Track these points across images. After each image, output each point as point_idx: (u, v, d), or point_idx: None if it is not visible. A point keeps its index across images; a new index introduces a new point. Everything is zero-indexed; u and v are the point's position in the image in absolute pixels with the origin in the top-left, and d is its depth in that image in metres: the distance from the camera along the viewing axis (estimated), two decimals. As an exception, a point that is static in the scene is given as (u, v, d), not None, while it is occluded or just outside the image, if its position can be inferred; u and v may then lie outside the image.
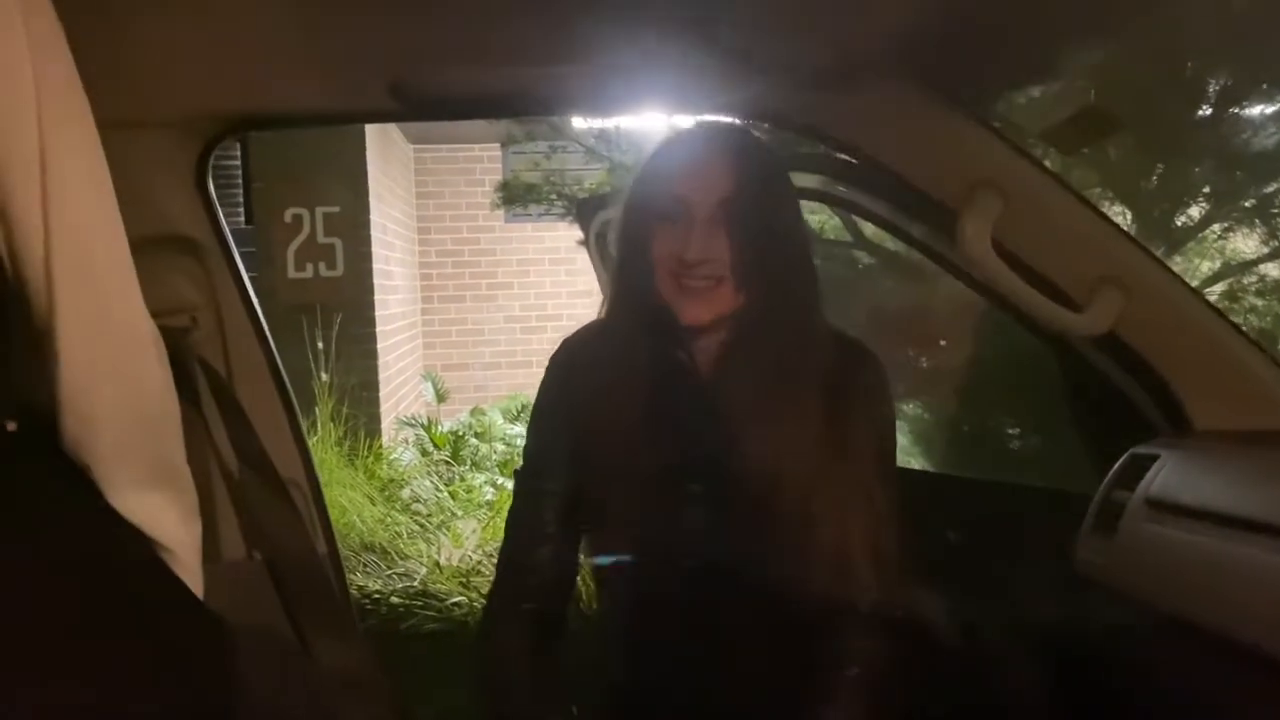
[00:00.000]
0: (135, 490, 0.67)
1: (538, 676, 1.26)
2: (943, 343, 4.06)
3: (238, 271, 1.47)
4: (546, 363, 1.36)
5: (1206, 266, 3.97)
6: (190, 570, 0.72)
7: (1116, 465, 1.46)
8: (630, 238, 1.26)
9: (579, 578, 1.37)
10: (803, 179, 1.87)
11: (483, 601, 3.75)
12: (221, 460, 1.27)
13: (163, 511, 0.70)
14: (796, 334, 1.22)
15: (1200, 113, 3.48)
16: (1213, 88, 3.42)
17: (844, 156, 1.59)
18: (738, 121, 1.30)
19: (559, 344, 1.37)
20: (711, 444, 1.23)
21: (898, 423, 4.18)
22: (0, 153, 0.57)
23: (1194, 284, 3.58)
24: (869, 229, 3.98)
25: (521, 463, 1.36)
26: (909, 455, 4.34)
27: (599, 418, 1.25)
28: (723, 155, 1.21)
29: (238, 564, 1.37)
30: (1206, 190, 3.59)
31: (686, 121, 1.35)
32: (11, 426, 0.63)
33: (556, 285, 7.72)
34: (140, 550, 0.69)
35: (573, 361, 1.34)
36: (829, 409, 1.22)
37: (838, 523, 1.22)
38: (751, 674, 1.27)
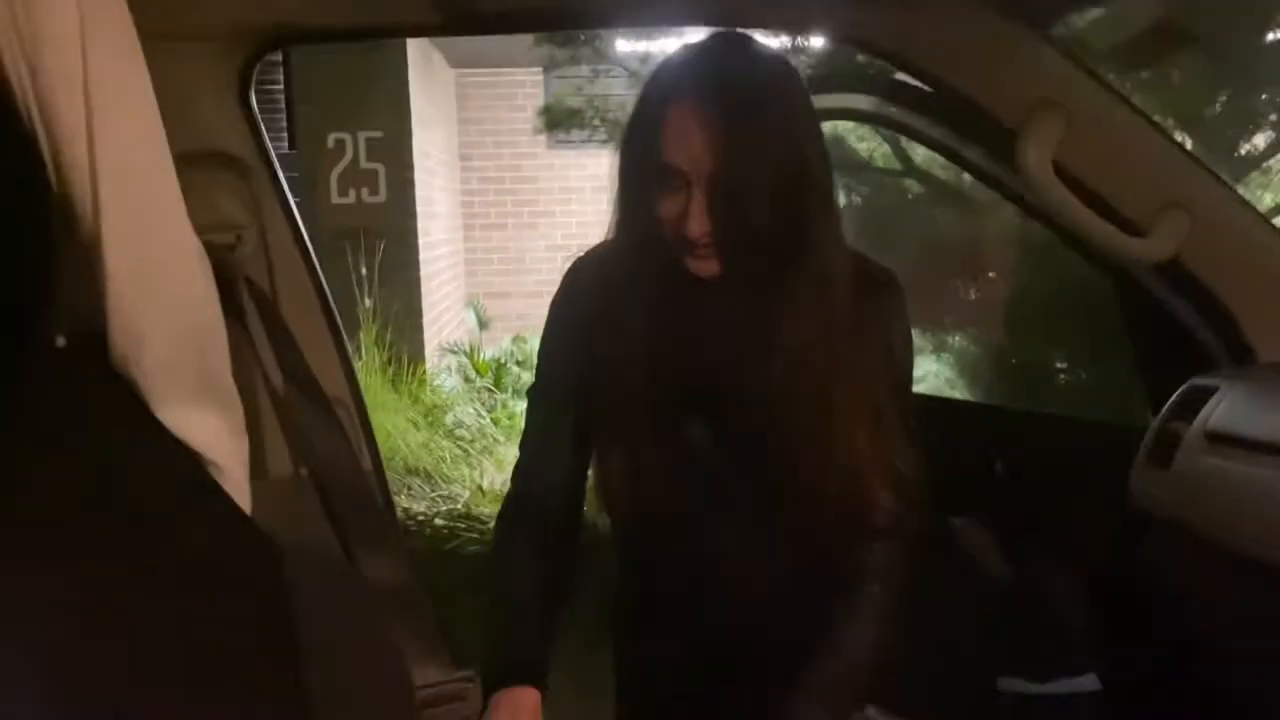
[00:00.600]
0: (182, 405, 0.68)
1: (546, 595, 1.27)
2: (991, 274, 4.00)
3: (282, 190, 1.46)
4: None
5: (1270, 198, 3.86)
6: (238, 485, 0.73)
7: (1175, 396, 1.43)
8: (628, 200, 1.19)
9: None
10: (853, 99, 1.83)
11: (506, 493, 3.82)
12: (267, 378, 1.28)
13: (210, 426, 0.71)
14: (806, 264, 1.16)
15: (1270, 36, 3.35)
16: (1281, 12, 3.29)
17: (900, 75, 1.54)
18: (743, 40, 1.18)
19: (569, 264, 1.33)
20: (721, 364, 1.21)
21: (943, 354, 4.13)
22: (44, 67, 0.57)
23: (1257, 215, 3.50)
24: (919, 157, 3.89)
25: (534, 381, 1.35)
26: (953, 387, 4.31)
27: (608, 337, 1.22)
28: (718, 113, 1.08)
29: (285, 480, 1.38)
30: (1273, 118, 3.47)
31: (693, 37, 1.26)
32: (61, 342, 0.63)
33: (600, 213, 7.58)
34: (188, 465, 0.69)
35: (582, 281, 1.30)
36: (843, 330, 1.19)
37: (850, 442, 1.19)
38: (765, 592, 1.27)
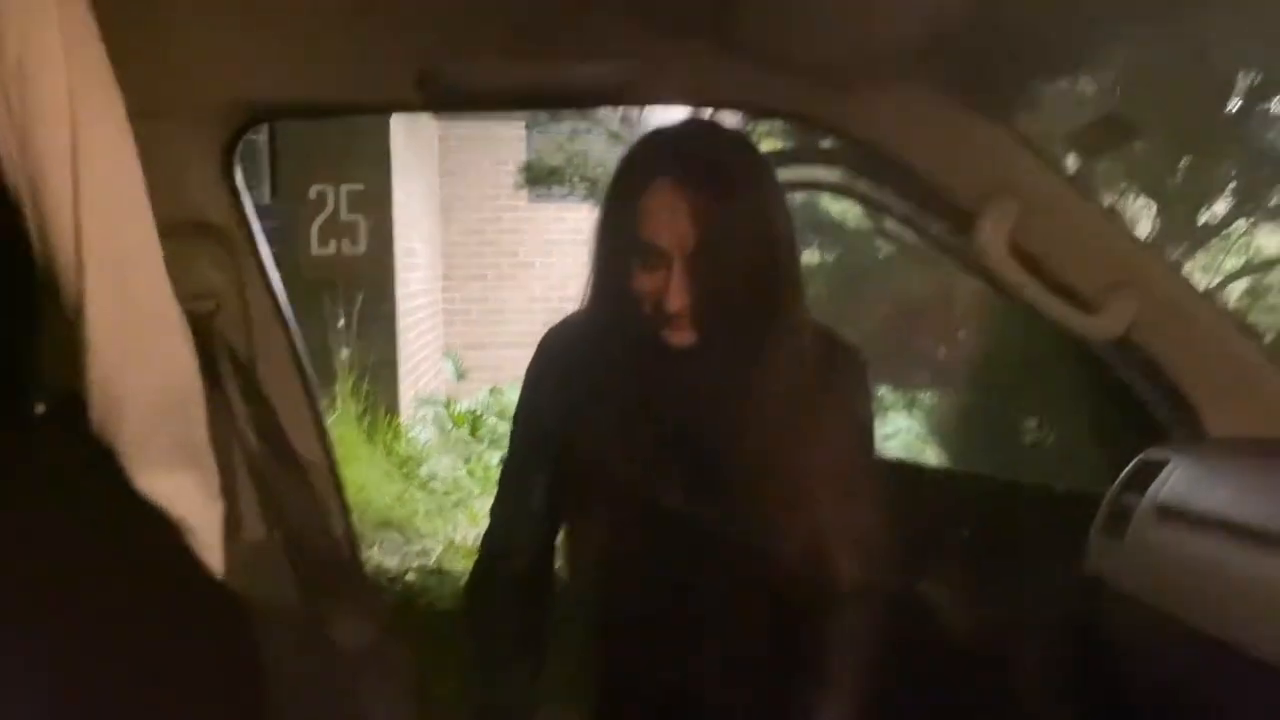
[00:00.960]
0: (160, 471, 0.69)
1: (519, 664, 1.29)
2: (962, 334, 4.06)
3: (262, 258, 1.50)
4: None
5: (1230, 263, 3.95)
6: (212, 549, 0.74)
7: (1128, 468, 1.47)
8: (605, 270, 1.22)
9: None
10: (824, 172, 1.88)
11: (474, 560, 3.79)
12: (243, 442, 1.29)
13: (186, 492, 0.72)
14: (778, 333, 1.19)
15: (1228, 108, 3.45)
16: (1241, 83, 3.39)
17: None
18: (715, 124, 1.24)
19: (543, 333, 1.36)
20: (690, 436, 1.23)
21: (914, 410, 4.16)
22: (34, 140, 0.58)
23: (1217, 281, 3.58)
24: (889, 219, 3.96)
25: (507, 452, 1.37)
26: (923, 444, 4.35)
27: (581, 406, 1.25)
28: (694, 192, 1.13)
29: (257, 543, 1.39)
30: (1232, 187, 3.56)
31: (671, 117, 1.31)
32: (40, 409, 0.65)
33: (579, 267, 7.66)
34: (163, 530, 0.71)
35: (556, 350, 1.33)
36: (808, 401, 1.22)
37: (817, 512, 1.22)
38: (735, 661, 1.28)
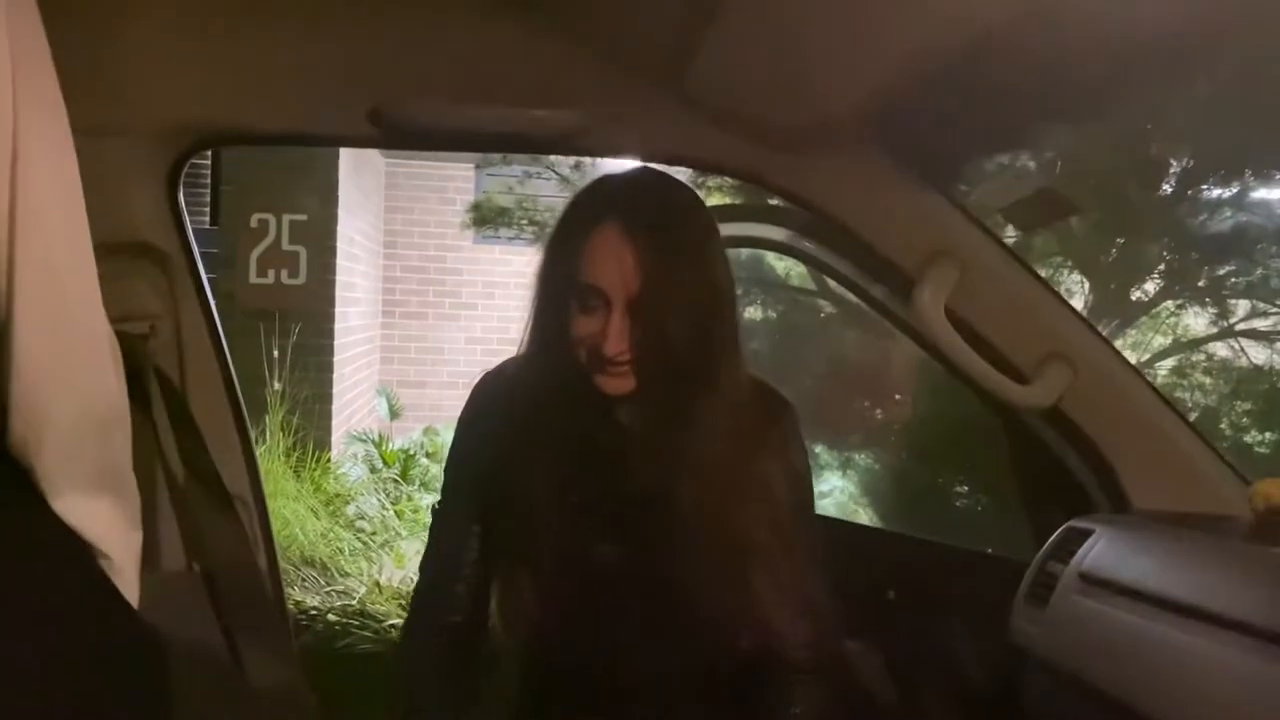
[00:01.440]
0: (78, 495, 0.67)
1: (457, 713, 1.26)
2: (898, 397, 4.12)
3: (200, 283, 1.47)
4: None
5: (1158, 341, 4.07)
6: (128, 579, 0.72)
7: (1053, 537, 1.49)
8: (545, 315, 1.22)
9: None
10: (770, 230, 1.90)
11: (405, 616, 3.72)
12: (169, 470, 1.26)
13: (105, 518, 0.69)
14: (715, 385, 1.20)
15: (1161, 193, 3.58)
16: (1174, 169, 3.52)
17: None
18: (663, 175, 1.26)
19: (476, 381, 1.35)
20: (626, 488, 1.23)
21: (849, 471, 4.19)
22: None
23: (1145, 358, 3.68)
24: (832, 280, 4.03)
25: (439, 500, 1.35)
26: (856, 504, 4.38)
27: (515, 453, 1.24)
28: (638, 238, 1.14)
29: (176, 575, 1.36)
30: (1162, 268, 3.68)
31: (616, 168, 1.32)
32: (-46, 425, 0.63)
33: (520, 310, 7.65)
34: (78, 556, 0.69)
35: (490, 397, 1.33)
36: (745, 457, 1.23)
37: (753, 565, 1.22)
38: (668, 712, 1.27)
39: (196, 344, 1.46)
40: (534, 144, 1.63)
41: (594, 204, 1.21)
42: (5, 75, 0.58)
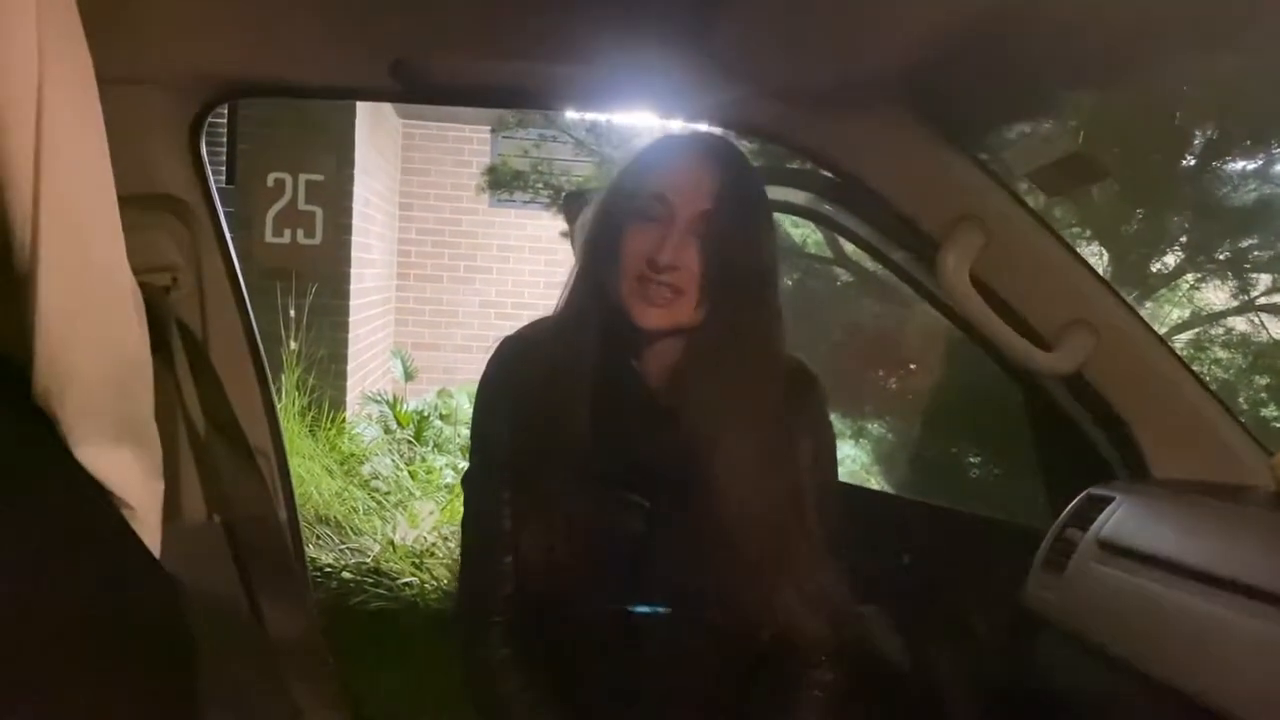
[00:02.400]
0: (101, 444, 0.67)
1: (529, 684, 1.24)
2: (913, 366, 4.10)
3: (223, 236, 1.47)
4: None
5: (1176, 314, 4.04)
6: (149, 528, 0.72)
7: (1072, 504, 1.49)
8: (602, 232, 1.23)
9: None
10: (791, 194, 1.89)
11: (434, 584, 3.75)
12: (190, 421, 1.27)
13: (127, 468, 0.70)
14: (750, 354, 1.20)
15: (1184, 163, 3.53)
16: (1198, 140, 3.47)
17: (833, 176, 1.60)
18: (726, 136, 1.28)
19: (499, 342, 1.33)
20: (653, 454, 1.22)
21: (861, 440, 4.19)
22: None
23: (1162, 330, 3.66)
24: (851, 247, 4.01)
25: (469, 465, 1.34)
26: (869, 474, 4.38)
27: (542, 419, 1.23)
28: (712, 168, 1.19)
29: (197, 526, 1.37)
30: (1183, 240, 3.64)
31: (677, 126, 1.34)
32: (-18, 372, 0.63)
33: (535, 274, 7.69)
34: (101, 505, 0.69)
35: (517, 360, 1.30)
36: (772, 430, 1.22)
37: (777, 542, 1.22)
38: (690, 691, 1.26)
39: (218, 296, 1.46)
40: (554, 100, 1.62)
41: (669, 146, 1.26)
42: (30, 25, 0.58)
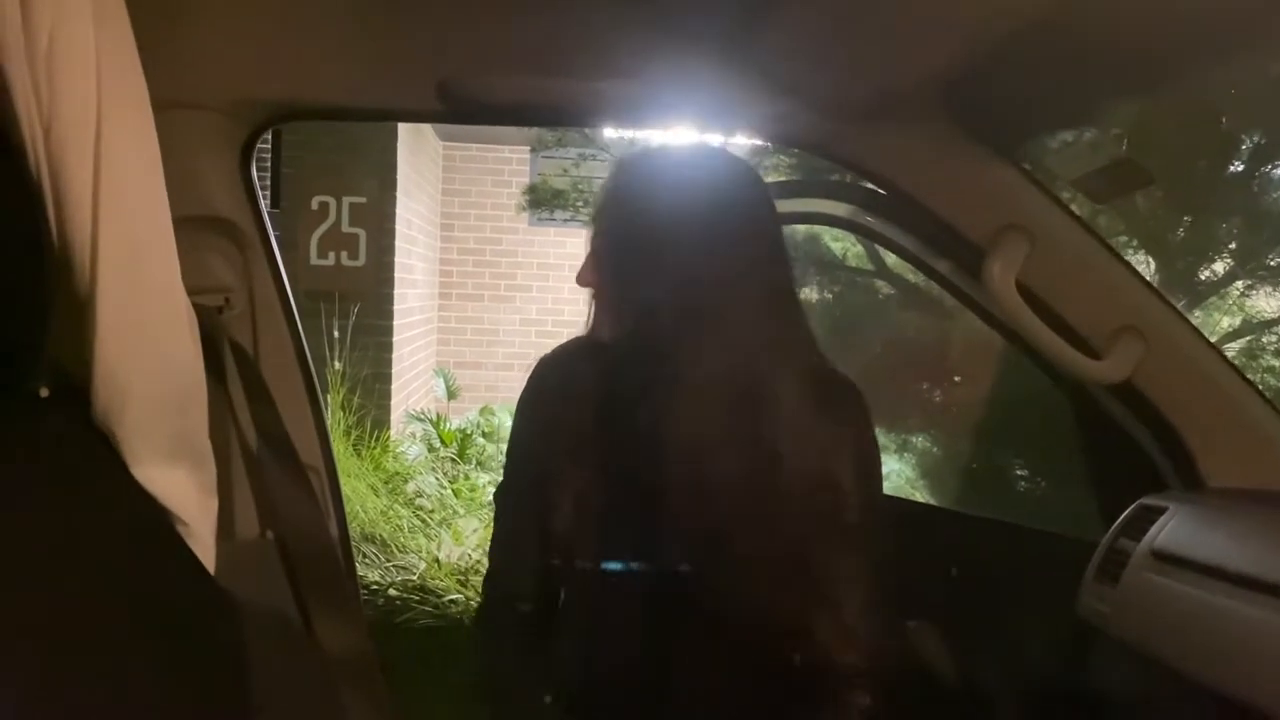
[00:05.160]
0: (157, 462, 0.68)
1: (538, 694, 1.26)
2: (957, 378, 4.06)
3: (274, 257, 1.49)
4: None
5: (1226, 322, 3.97)
6: (204, 544, 0.73)
7: (1124, 514, 1.47)
8: (612, 268, 1.25)
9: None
10: (833, 206, 1.89)
11: (479, 601, 3.76)
12: (243, 440, 1.29)
13: (182, 485, 0.71)
14: (778, 369, 1.20)
15: (1231, 169, 3.48)
16: (1245, 145, 3.42)
17: (875, 188, 1.60)
18: (713, 147, 1.27)
19: (535, 363, 1.35)
20: (689, 473, 1.21)
21: (906, 454, 4.15)
22: (58, 126, 0.58)
23: (1214, 340, 3.60)
24: (892, 259, 3.99)
25: (502, 481, 1.35)
26: (914, 488, 4.34)
27: (577, 439, 1.23)
28: (695, 201, 1.19)
29: (250, 542, 1.38)
30: (1232, 246, 3.59)
31: (672, 139, 1.34)
32: (44, 392, 0.65)
33: (575, 291, 7.54)
34: (158, 522, 0.70)
35: (552, 380, 1.31)
36: (810, 443, 1.21)
37: (814, 559, 1.20)
38: (719, 709, 1.25)
39: (269, 316, 1.48)
40: (598, 116, 1.63)
41: (651, 170, 1.25)
42: (90, 53, 0.59)
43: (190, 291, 0.71)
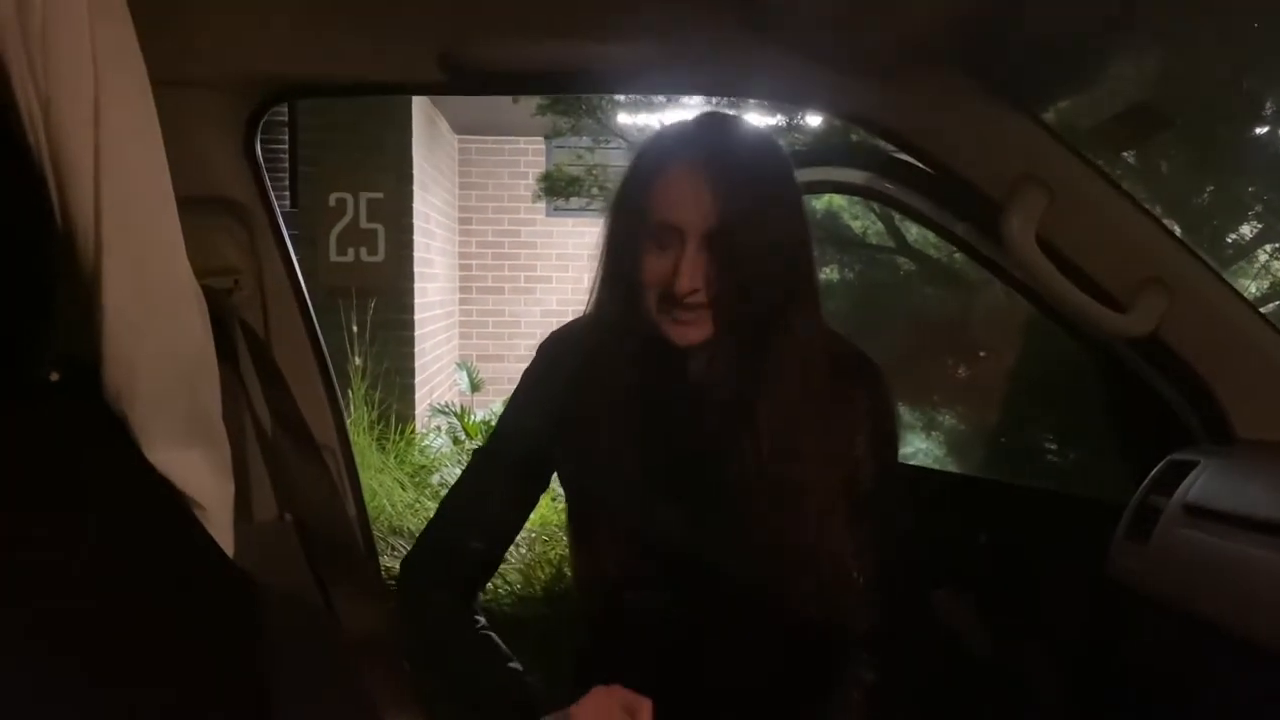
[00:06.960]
0: (170, 444, 0.68)
1: (468, 646, 1.25)
2: (981, 353, 4.02)
3: (282, 237, 1.49)
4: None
5: (1255, 287, 3.91)
6: (221, 527, 0.73)
7: (1155, 470, 1.44)
8: (616, 254, 1.21)
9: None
10: (847, 174, 1.86)
11: (507, 588, 3.76)
12: (257, 421, 1.28)
13: (196, 467, 0.71)
14: (791, 334, 1.17)
15: (1257, 130, 3.42)
16: (1270, 105, 3.36)
17: (890, 148, 1.57)
18: (736, 118, 1.23)
19: (546, 338, 1.35)
20: (695, 448, 1.20)
21: (933, 432, 4.12)
22: (57, 106, 0.57)
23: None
24: (912, 235, 3.95)
25: (485, 443, 1.34)
26: (940, 464, 4.31)
27: (581, 416, 1.23)
28: (717, 173, 1.12)
29: (268, 524, 1.38)
30: (1259, 209, 3.53)
31: (684, 114, 1.31)
32: (54, 376, 0.64)
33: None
34: (174, 506, 0.69)
35: (559, 354, 1.31)
36: (824, 418, 1.19)
37: (820, 532, 1.18)
38: (723, 679, 1.24)
39: (279, 297, 1.48)
40: (602, 82, 1.61)
41: (662, 146, 1.20)
42: (84, 31, 0.58)
43: (199, 273, 0.70)
